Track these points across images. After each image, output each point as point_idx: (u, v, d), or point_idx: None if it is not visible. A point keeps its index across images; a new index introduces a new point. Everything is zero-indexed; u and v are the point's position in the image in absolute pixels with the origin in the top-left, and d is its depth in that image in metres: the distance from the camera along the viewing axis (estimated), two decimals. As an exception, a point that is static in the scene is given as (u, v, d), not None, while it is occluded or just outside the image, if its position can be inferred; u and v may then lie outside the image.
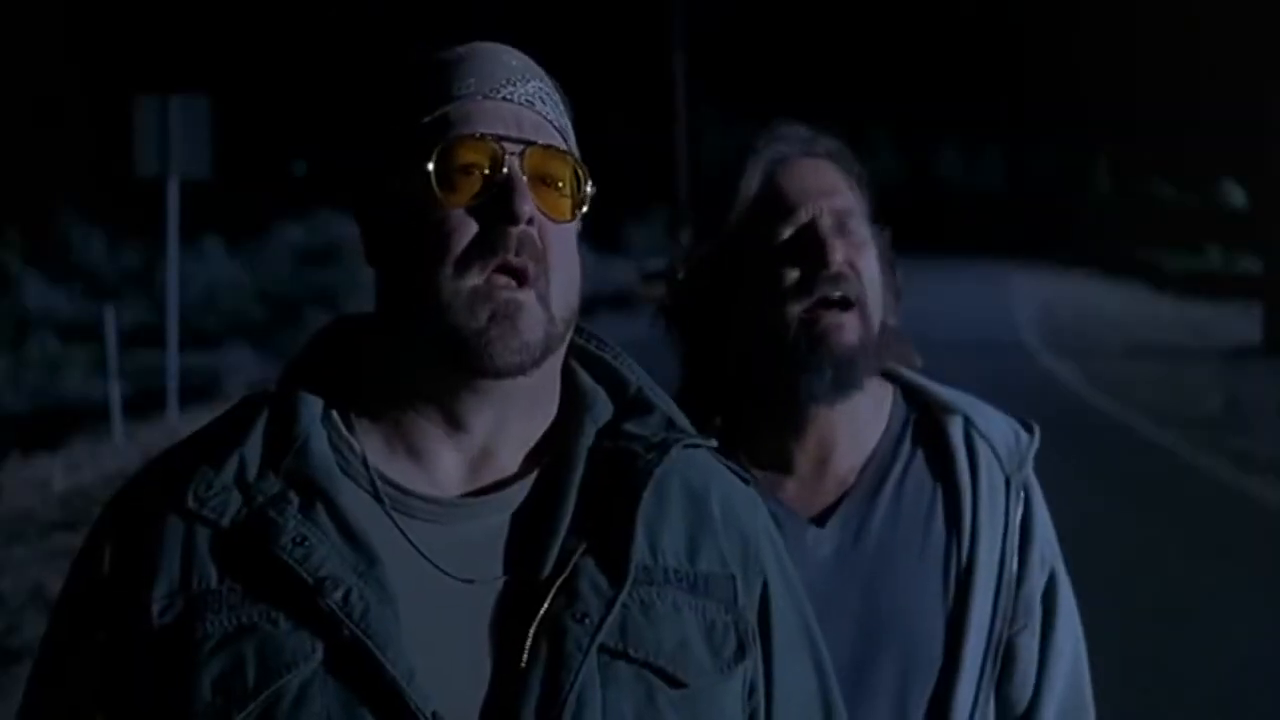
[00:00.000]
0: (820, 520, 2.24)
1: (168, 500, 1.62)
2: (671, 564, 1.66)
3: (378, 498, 1.63)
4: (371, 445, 1.65)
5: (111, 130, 20.76)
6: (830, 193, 2.22)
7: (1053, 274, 52.63)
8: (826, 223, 2.19)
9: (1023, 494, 2.28)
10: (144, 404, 17.80)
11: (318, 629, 1.56)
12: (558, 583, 1.60)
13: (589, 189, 1.67)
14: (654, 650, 1.62)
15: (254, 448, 1.63)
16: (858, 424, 2.27)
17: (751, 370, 2.23)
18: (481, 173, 1.61)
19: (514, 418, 1.67)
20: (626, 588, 1.61)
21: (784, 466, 2.26)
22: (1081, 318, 35.09)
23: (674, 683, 1.62)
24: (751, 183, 2.21)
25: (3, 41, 37.08)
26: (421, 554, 1.61)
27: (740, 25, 65.63)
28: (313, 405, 1.65)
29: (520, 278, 1.60)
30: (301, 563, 1.56)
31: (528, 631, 1.58)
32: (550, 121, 1.66)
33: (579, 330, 1.74)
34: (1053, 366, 24.25)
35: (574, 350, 1.74)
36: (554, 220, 1.63)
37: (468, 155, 1.61)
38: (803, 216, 2.19)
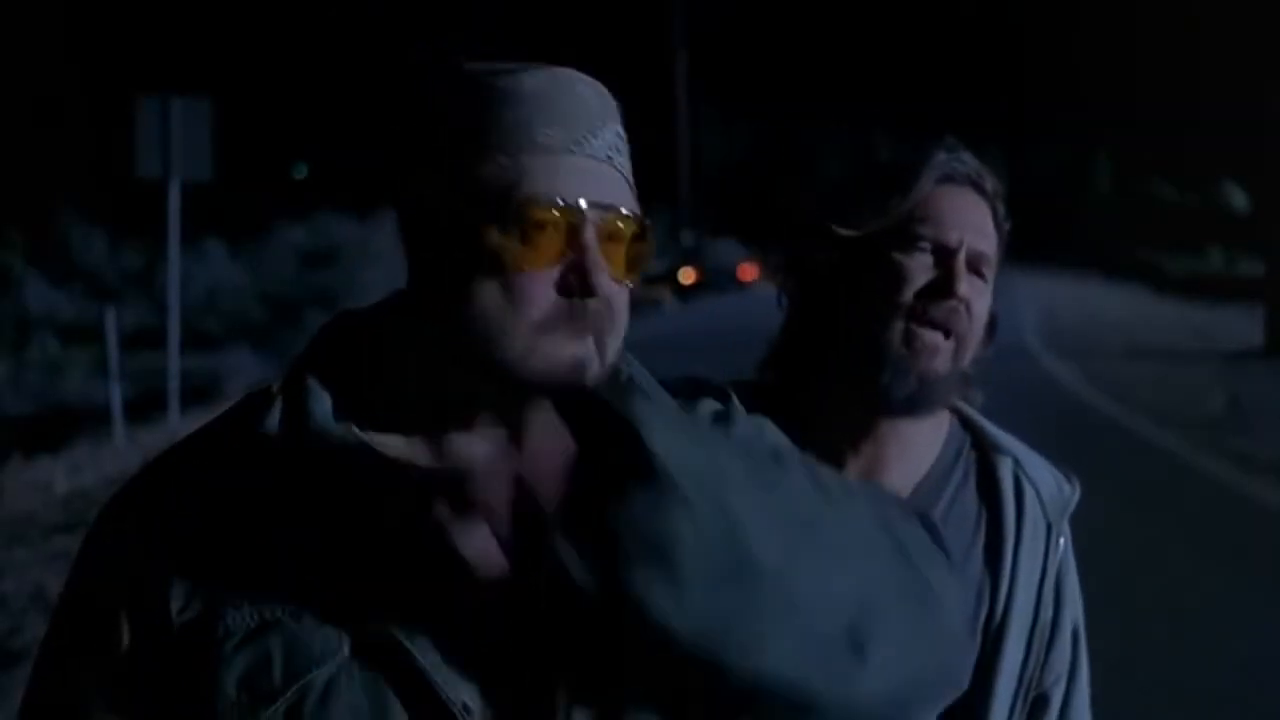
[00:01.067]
0: None
1: (180, 495, 1.60)
2: None
3: (395, 491, 1.61)
4: (388, 439, 1.64)
5: (113, 131, 20.80)
6: (980, 232, 2.25)
7: (1053, 275, 52.75)
8: (964, 257, 2.22)
9: (1061, 543, 2.31)
10: (145, 406, 17.83)
11: (343, 623, 1.55)
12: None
13: (648, 248, 1.65)
14: None
15: (267, 442, 1.62)
16: (912, 446, 2.29)
17: (842, 355, 2.26)
18: (560, 237, 1.58)
19: (546, 420, 1.67)
20: None
21: (835, 468, 2.27)
22: (1082, 319, 35.15)
23: None
24: (923, 189, 2.23)
25: (4, 42, 37.06)
26: (441, 545, 1.60)
27: (741, 25, 65.66)
28: (324, 400, 1.64)
29: (590, 339, 1.60)
30: (334, 551, 1.56)
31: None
32: (624, 175, 1.64)
33: None
34: (1054, 368, 24.27)
35: None
36: (618, 283, 1.62)
37: (548, 217, 1.57)
38: (949, 240, 2.22)
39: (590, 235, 1.58)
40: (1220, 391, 20.72)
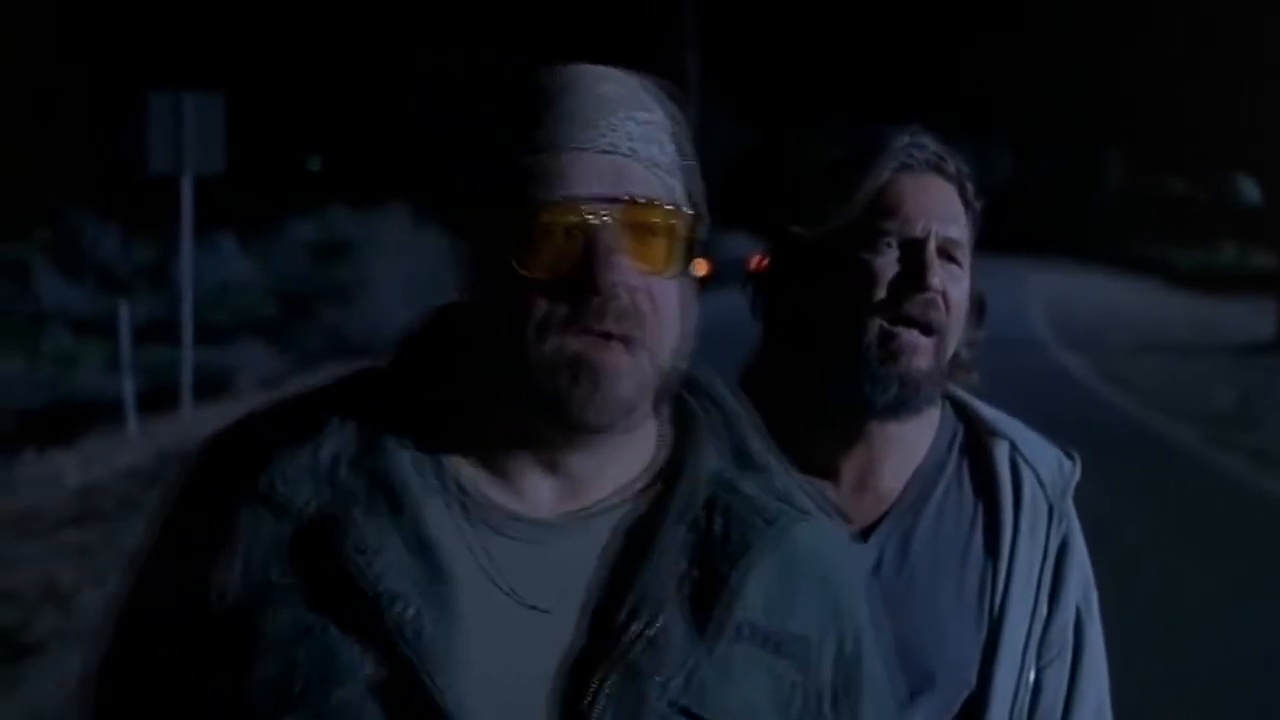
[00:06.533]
0: (864, 534, 2.18)
1: (248, 478, 1.55)
2: (753, 619, 1.58)
3: (461, 509, 1.56)
4: (460, 459, 1.59)
5: (122, 126, 20.79)
6: (947, 218, 2.16)
7: (1065, 269, 52.61)
8: (934, 247, 2.14)
9: (1063, 524, 2.25)
10: (157, 399, 17.81)
11: (371, 644, 1.48)
12: (639, 629, 1.52)
13: (698, 232, 1.60)
14: (720, 711, 1.54)
15: (343, 437, 1.57)
16: (904, 442, 2.23)
17: (819, 365, 2.18)
18: (566, 239, 1.53)
19: (611, 453, 1.61)
20: (710, 650, 1.54)
21: (829, 474, 2.20)
22: (1094, 313, 35.05)
23: None
24: (878, 180, 2.15)
25: (7, 38, 37.07)
26: (492, 576, 1.54)
27: (753, 21, 65.60)
28: (404, 404, 1.60)
29: (612, 340, 1.54)
30: (365, 571, 1.49)
31: (597, 674, 1.51)
32: (649, 163, 1.58)
33: (706, 366, 1.70)
34: (1065, 362, 24.24)
35: (697, 382, 1.68)
36: (652, 275, 1.56)
37: (552, 219, 1.53)
38: (915, 232, 2.13)
39: (605, 231, 1.53)
40: (1231, 386, 20.68)
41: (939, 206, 2.17)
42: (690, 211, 1.60)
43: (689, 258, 1.60)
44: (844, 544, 1.72)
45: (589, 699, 1.50)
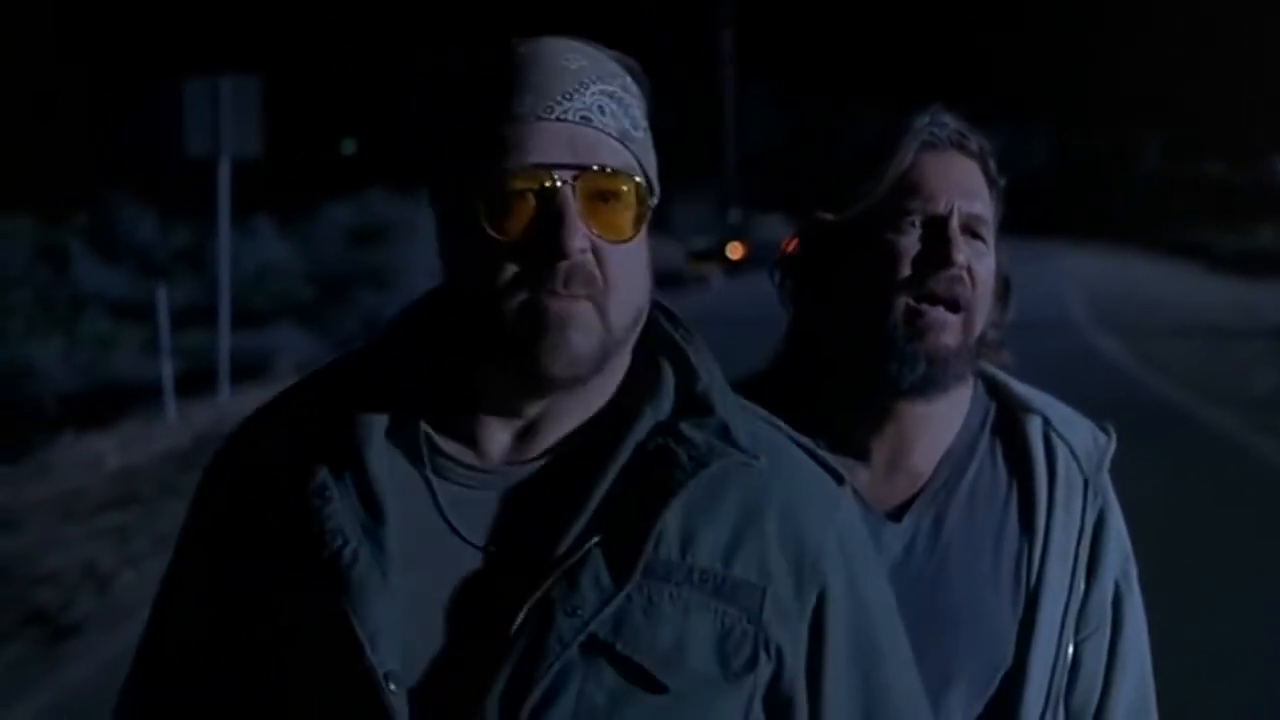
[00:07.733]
0: (896, 515, 2.19)
1: (241, 443, 1.76)
2: (701, 564, 1.64)
3: (421, 462, 1.67)
4: (427, 420, 1.69)
5: (159, 110, 20.84)
6: (970, 195, 2.17)
7: (1102, 253, 52.48)
8: (958, 223, 2.14)
9: (1099, 497, 2.24)
10: (195, 383, 17.91)
11: (310, 578, 1.61)
12: (561, 568, 1.60)
13: (651, 201, 1.68)
14: (644, 649, 1.61)
15: (320, 405, 1.71)
16: (935, 421, 2.22)
17: (846, 346, 2.19)
18: (532, 203, 1.61)
19: (567, 403, 1.69)
20: (627, 588, 1.60)
21: (860, 454, 2.20)
22: (1131, 296, 34.90)
23: (655, 686, 1.61)
24: (903, 160, 2.16)
25: (16, 36, 37.19)
26: (441, 520, 1.65)
27: (790, 4, 65.42)
28: (380, 374, 1.71)
29: (572, 299, 1.62)
30: (315, 511, 1.62)
31: (517, 612, 1.59)
32: (610, 134, 1.65)
33: (668, 315, 1.77)
34: (1101, 345, 24.15)
35: (655, 333, 1.75)
36: (612, 241, 1.64)
37: (518, 185, 1.61)
38: (939, 209, 2.14)
39: (565, 197, 1.61)
40: (1270, 370, 20.57)
41: (962, 183, 2.18)
42: (644, 181, 1.67)
43: (643, 224, 1.67)
44: (821, 497, 1.75)
45: (510, 630, 1.58)
